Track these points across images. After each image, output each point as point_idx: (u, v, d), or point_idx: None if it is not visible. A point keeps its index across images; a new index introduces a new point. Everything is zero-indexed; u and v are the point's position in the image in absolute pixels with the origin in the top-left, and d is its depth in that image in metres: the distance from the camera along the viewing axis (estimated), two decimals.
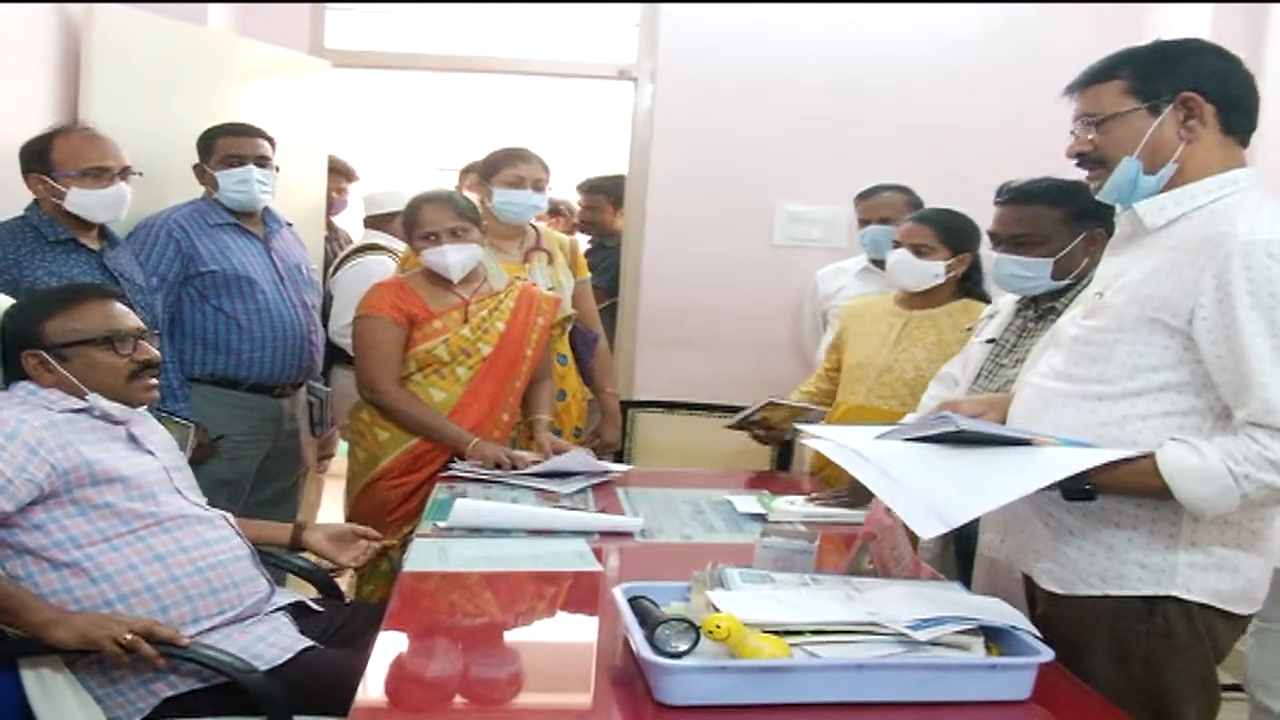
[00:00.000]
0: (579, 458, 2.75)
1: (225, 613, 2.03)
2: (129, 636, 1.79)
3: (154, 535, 2.00)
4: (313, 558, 2.39)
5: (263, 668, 1.91)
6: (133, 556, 1.96)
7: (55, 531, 1.92)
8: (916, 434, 1.69)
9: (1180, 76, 1.64)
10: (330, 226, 4.41)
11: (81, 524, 1.94)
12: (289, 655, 1.98)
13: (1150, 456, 1.57)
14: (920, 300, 2.80)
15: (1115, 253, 1.77)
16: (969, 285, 2.82)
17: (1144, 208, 1.68)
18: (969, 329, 2.54)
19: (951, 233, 2.75)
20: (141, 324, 2.17)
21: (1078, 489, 1.59)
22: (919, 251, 2.74)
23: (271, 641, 2.01)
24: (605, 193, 4.52)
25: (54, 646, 1.83)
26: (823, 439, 1.75)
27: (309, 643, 2.03)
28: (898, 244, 2.80)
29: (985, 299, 2.78)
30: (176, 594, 1.98)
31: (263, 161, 3.10)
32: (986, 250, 2.43)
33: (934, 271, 2.74)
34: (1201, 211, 1.63)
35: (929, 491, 1.54)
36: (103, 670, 1.91)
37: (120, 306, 2.15)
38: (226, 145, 3.08)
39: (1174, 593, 1.64)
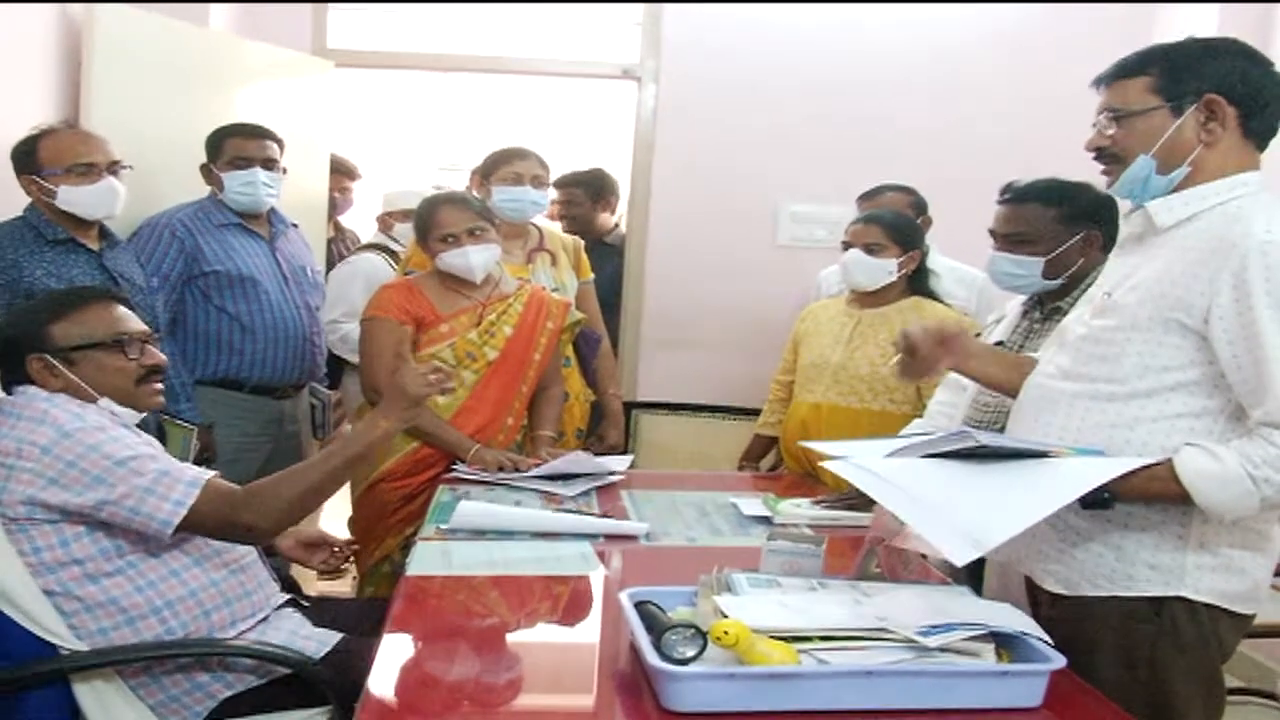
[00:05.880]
0: (580, 458, 2.72)
1: (256, 615, 2.03)
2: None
3: (184, 540, 1.97)
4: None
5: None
6: (171, 562, 1.94)
7: (102, 539, 1.87)
8: (934, 450, 1.67)
9: (1207, 78, 1.62)
10: (337, 227, 4.39)
11: (116, 534, 1.90)
12: (328, 647, 2.00)
13: (1168, 463, 1.56)
14: (871, 299, 2.87)
15: (1124, 252, 1.77)
16: (917, 284, 2.89)
17: (1155, 207, 1.67)
18: (978, 335, 2.55)
19: (900, 231, 2.84)
20: (147, 327, 2.14)
21: (1096, 498, 1.58)
22: (871, 250, 2.81)
23: (305, 635, 2.02)
24: (582, 186, 4.31)
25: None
26: (838, 460, 1.72)
27: (339, 635, 2.04)
28: (848, 245, 2.86)
29: (934, 296, 2.88)
30: (216, 598, 1.97)
31: (270, 164, 3.10)
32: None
33: (887, 269, 2.81)
34: (1212, 212, 1.62)
35: (957, 514, 1.53)
36: (153, 679, 1.89)
37: (125, 309, 2.11)
38: (234, 147, 3.08)
39: (1182, 593, 1.64)
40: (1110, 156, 1.71)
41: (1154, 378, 1.62)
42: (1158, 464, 1.57)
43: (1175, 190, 1.66)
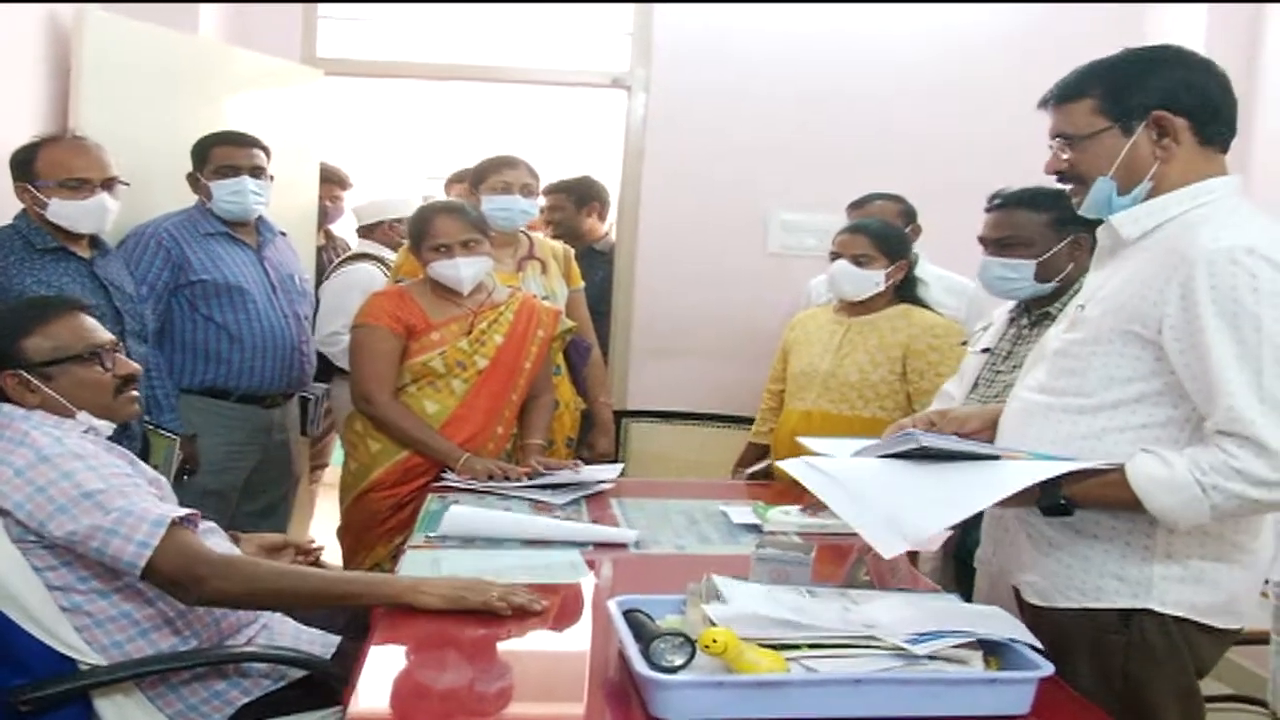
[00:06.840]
0: (570, 475, 2.71)
1: (258, 619, 2.02)
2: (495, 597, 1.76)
3: None
4: None
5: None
6: None
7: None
8: (885, 452, 1.70)
9: (1150, 93, 1.62)
10: (328, 235, 4.39)
11: None
12: (333, 648, 1.99)
13: (1121, 469, 1.56)
14: (860, 308, 2.90)
15: (1098, 266, 1.78)
16: (904, 292, 2.91)
17: (1119, 220, 1.68)
18: (964, 343, 2.56)
19: (887, 241, 2.86)
20: (114, 336, 2.09)
21: (1054, 504, 1.59)
22: (859, 261, 2.83)
23: (308, 638, 2.02)
24: (567, 191, 4.29)
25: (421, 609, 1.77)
26: (796, 462, 1.75)
27: (337, 636, 2.04)
28: (836, 255, 2.87)
29: (922, 304, 2.91)
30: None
31: (257, 172, 3.09)
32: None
33: (874, 280, 2.84)
34: (1175, 222, 1.63)
35: (890, 510, 1.55)
36: (171, 689, 1.88)
37: (92, 320, 2.05)
38: (221, 155, 3.06)
39: (1150, 605, 1.63)
40: (1071, 179, 1.72)
41: (1118, 389, 1.62)
42: (1111, 469, 1.57)
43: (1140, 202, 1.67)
